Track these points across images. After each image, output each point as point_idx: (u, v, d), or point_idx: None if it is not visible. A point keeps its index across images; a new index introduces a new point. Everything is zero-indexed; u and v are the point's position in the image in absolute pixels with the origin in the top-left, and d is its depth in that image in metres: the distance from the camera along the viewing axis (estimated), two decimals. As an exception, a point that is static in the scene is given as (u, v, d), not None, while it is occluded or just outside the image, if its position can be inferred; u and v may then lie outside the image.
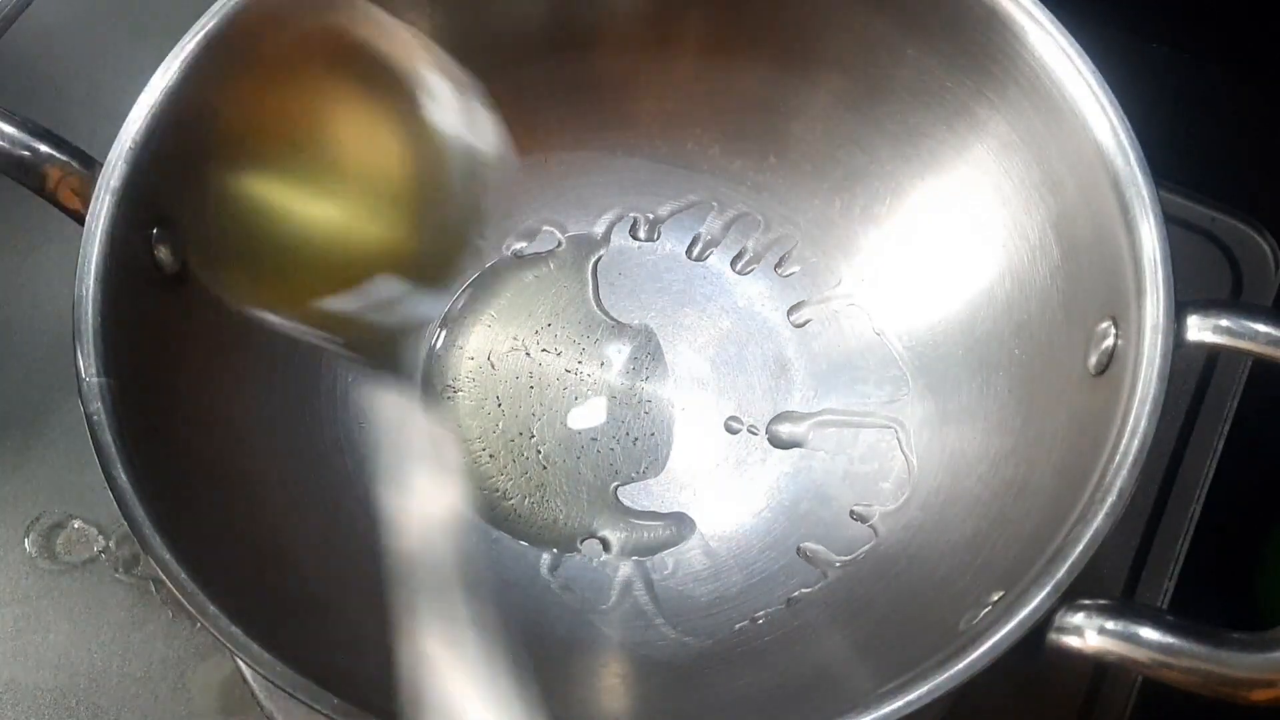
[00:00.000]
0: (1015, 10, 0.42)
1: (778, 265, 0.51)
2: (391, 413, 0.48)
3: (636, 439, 0.48)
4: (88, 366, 0.36)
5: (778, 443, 0.48)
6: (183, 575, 0.34)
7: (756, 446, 0.48)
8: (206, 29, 0.41)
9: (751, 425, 0.48)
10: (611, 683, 0.43)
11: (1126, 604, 0.34)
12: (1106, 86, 0.40)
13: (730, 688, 0.42)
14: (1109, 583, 0.48)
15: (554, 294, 0.51)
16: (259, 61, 0.42)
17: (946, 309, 0.47)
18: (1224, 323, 0.37)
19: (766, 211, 0.51)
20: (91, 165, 0.39)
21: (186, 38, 0.41)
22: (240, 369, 0.43)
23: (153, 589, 0.48)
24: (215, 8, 0.41)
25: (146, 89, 0.40)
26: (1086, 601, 0.34)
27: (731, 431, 0.49)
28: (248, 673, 0.47)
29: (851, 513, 0.46)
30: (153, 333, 0.39)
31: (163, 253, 0.40)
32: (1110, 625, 0.33)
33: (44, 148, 0.39)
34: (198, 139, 0.41)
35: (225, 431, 0.41)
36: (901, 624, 0.40)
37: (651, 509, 0.47)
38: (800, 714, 0.39)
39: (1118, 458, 0.35)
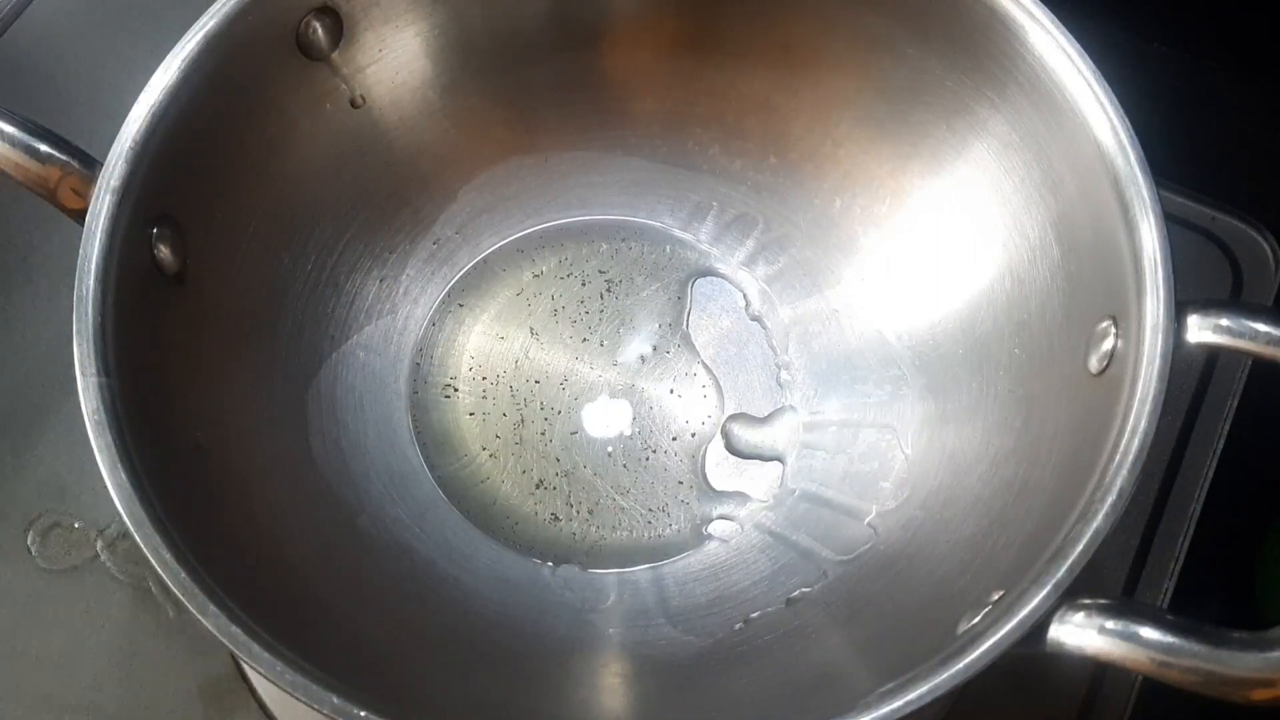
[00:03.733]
0: (1015, 10, 0.41)
1: (778, 265, 0.51)
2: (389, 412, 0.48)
3: (637, 439, 0.48)
4: (88, 366, 0.36)
5: (745, 450, 0.48)
6: (183, 575, 0.34)
7: (756, 446, 0.48)
8: (206, 29, 0.41)
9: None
10: (611, 682, 0.43)
11: (1126, 603, 0.33)
12: (1106, 86, 0.40)
13: (730, 687, 0.42)
14: (1109, 582, 0.48)
15: (553, 292, 0.51)
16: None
17: (946, 309, 0.47)
18: (1224, 322, 0.37)
19: (766, 211, 0.51)
20: (92, 165, 0.39)
21: (186, 38, 0.41)
22: (240, 368, 0.43)
23: (153, 589, 0.48)
24: (215, 8, 0.41)
25: (146, 89, 0.40)
26: (1086, 601, 0.34)
27: (731, 431, 0.49)
28: (248, 672, 0.47)
29: (851, 512, 0.46)
30: (153, 333, 0.39)
31: (163, 252, 0.40)
32: (1110, 625, 0.33)
33: (44, 147, 0.39)
34: (198, 138, 0.41)
35: (225, 431, 0.41)
36: (901, 624, 0.40)
37: (653, 508, 0.47)
38: (800, 714, 0.39)
39: (1118, 457, 0.35)
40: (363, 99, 0.46)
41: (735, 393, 0.49)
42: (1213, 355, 0.52)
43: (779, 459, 0.48)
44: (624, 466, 0.48)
